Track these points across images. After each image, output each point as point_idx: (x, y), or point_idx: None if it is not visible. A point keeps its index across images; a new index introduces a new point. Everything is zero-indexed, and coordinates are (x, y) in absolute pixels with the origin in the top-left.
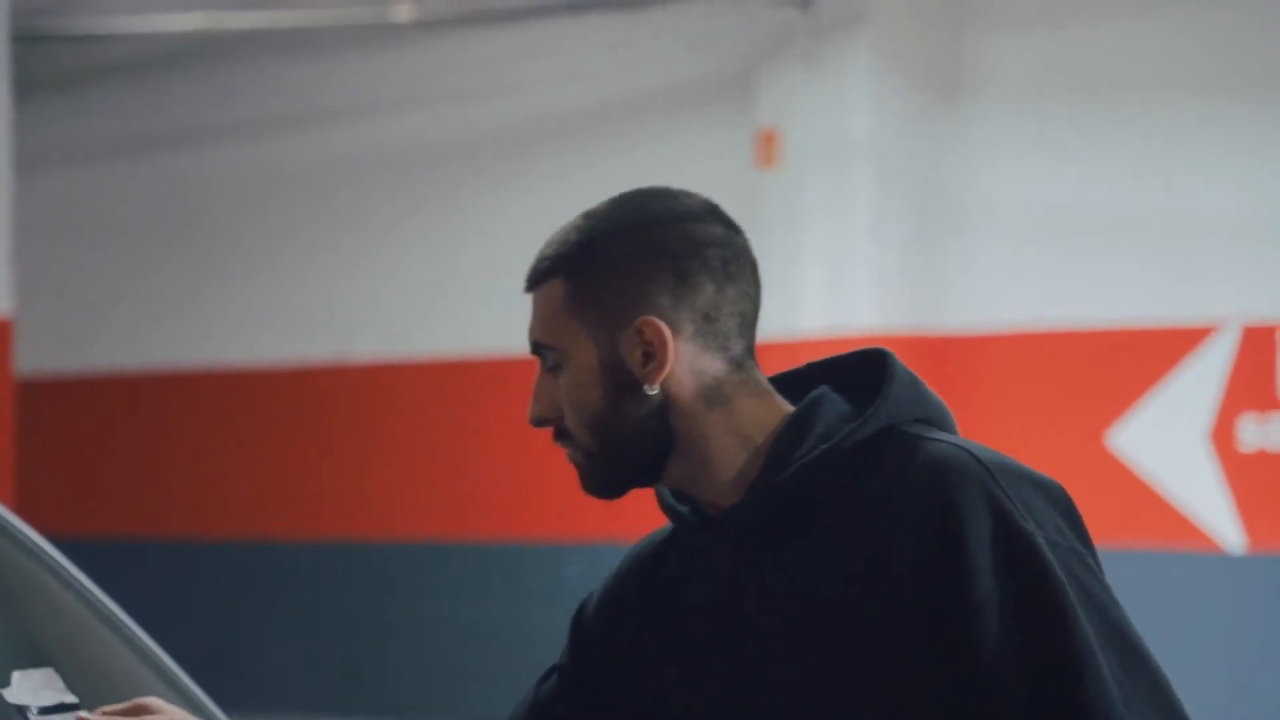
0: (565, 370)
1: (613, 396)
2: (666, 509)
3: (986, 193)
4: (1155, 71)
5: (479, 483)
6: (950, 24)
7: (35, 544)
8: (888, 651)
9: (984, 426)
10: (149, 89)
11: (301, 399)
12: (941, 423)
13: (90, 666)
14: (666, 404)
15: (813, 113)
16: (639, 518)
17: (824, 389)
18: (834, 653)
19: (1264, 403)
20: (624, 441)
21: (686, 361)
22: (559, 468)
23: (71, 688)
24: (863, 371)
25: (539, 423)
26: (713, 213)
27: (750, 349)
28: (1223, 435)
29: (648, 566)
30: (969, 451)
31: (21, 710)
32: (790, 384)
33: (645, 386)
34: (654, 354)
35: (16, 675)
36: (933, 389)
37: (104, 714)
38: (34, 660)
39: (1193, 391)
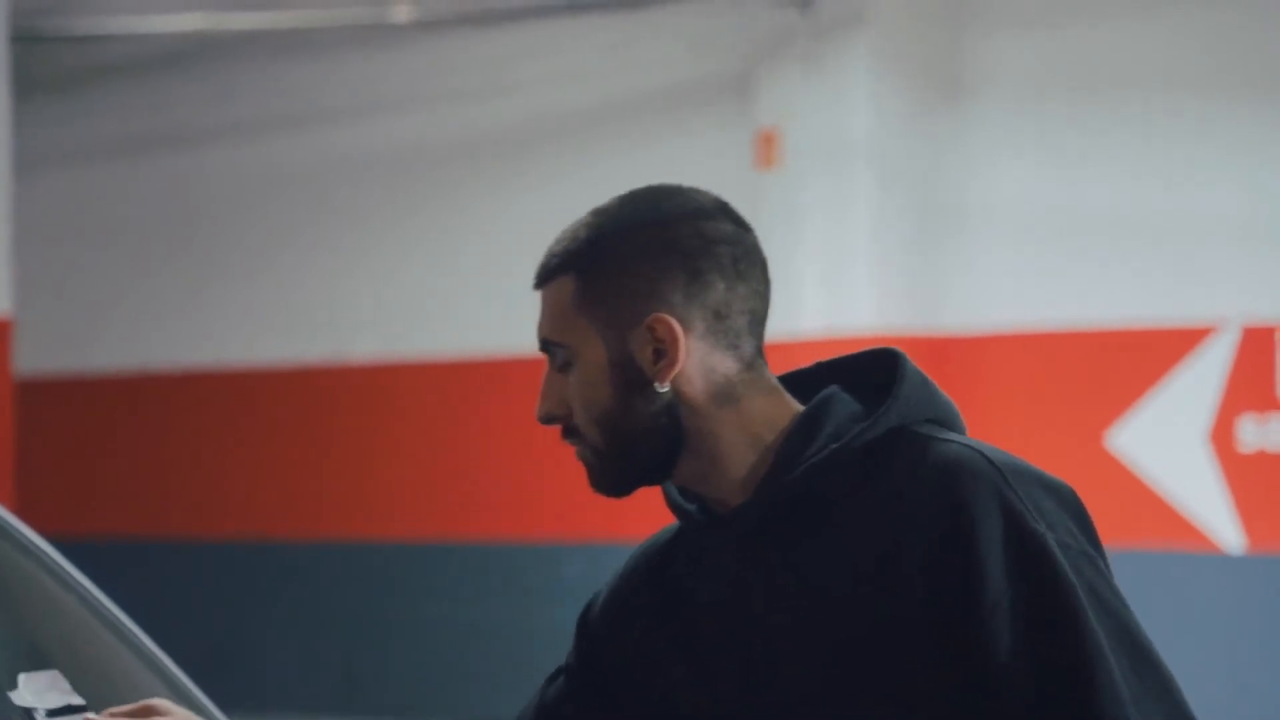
0: (574, 367)
1: (623, 394)
2: (674, 507)
3: (986, 193)
4: (1155, 72)
5: (479, 483)
6: (950, 24)
7: (35, 544)
8: (898, 651)
9: (983, 427)
10: (148, 89)
11: (301, 399)
12: (951, 423)
13: (90, 667)
14: (676, 402)
15: (812, 113)
16: (639, 518)
17: (834, 388)
18: (843, 652)
19: (1263, 403)
20: (633, 439)
21: (697, 359)
22: (559, 468)
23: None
24: (872, 371)
25: (547, 420)
26: (723, 210)
27: (760, 347)
28: (1222, 436)
29: (654, 565)
30: (980, 452)
31: (29, 712)
32: (799, 383)
33: (656, 384)
34: (665, 351)
35: (23, 677)
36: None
37: (111, 716)
38: (34, 661)
39: (1192, 392)
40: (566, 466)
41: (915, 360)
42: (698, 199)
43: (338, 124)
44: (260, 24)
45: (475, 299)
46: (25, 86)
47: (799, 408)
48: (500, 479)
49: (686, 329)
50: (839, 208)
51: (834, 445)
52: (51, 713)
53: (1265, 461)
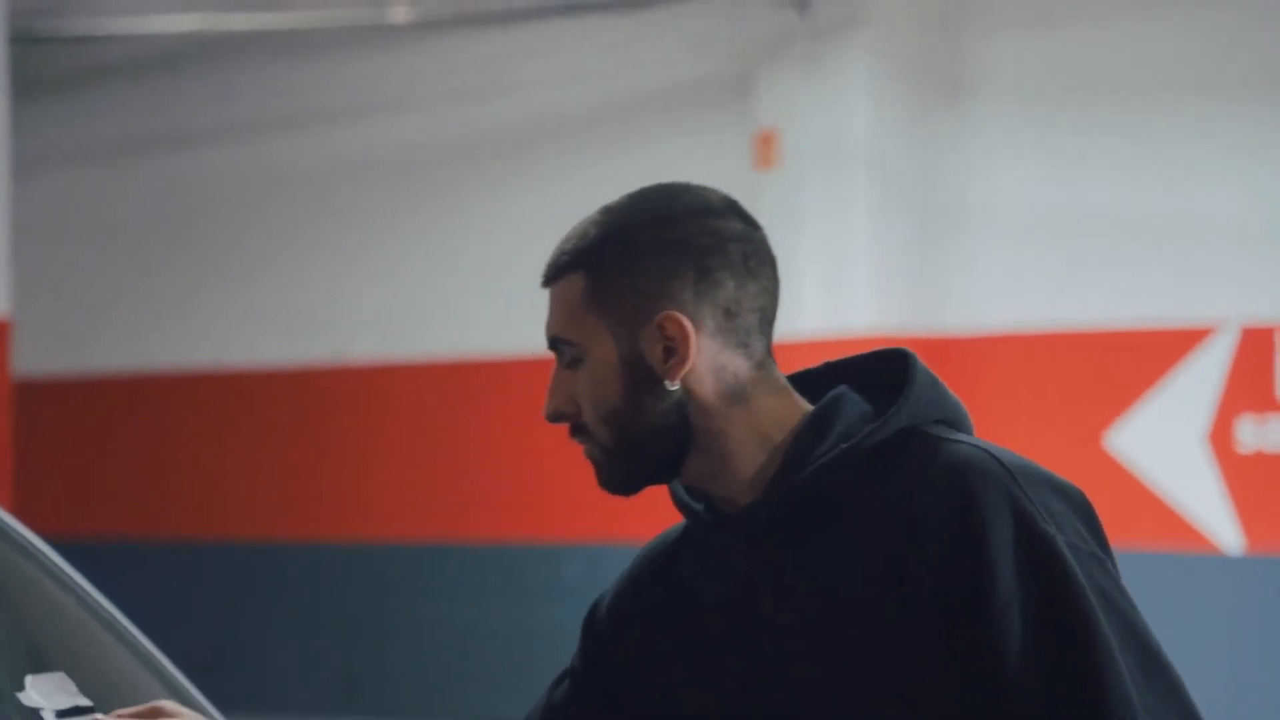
0: (584, 365)
1: (632, 392)
2: (681, 506)
3: (985, 193)
4: (1154, 72)
5: (479, 484)
6: (948, 25)
7: (33, 545)
8: (906, 652)
9: (982, 427)
10: (147, 90)
11: (301, 400)
12: (960, 424)
13: (89, 668)
14: (686, 400)
15: (811, 113)
16: (639, 518)
17: (843, 388)
18: (852, 652)
19: (1262, 404)
20: (642, 437)
21: (708, 357)
22: (559, 469)
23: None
24: (881, 371)
25: (555, 418)
26: (732, 208)
27: (769, 346)
28: (1221, 436)
29: (659, 566)
30: (990, 453)
31: (36, 713)
32: (807, 383)
33: (666, 382)
34: (675, 349)
35: (30, 679)
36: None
37: (119, 717)
38: (32, 662)
39: (1191, 392)
40: (566, 467)
41: None
42: (707, 196)
43: (336, 124)
44: (259, 25)
45: (475, 299)
46: (24, 87)
47: (808, 407)
48: (500, 480)
49: (697, 327)
50: (838, 208)
51: (844, 445)
52: (60, 714)
53: (1264, 462)
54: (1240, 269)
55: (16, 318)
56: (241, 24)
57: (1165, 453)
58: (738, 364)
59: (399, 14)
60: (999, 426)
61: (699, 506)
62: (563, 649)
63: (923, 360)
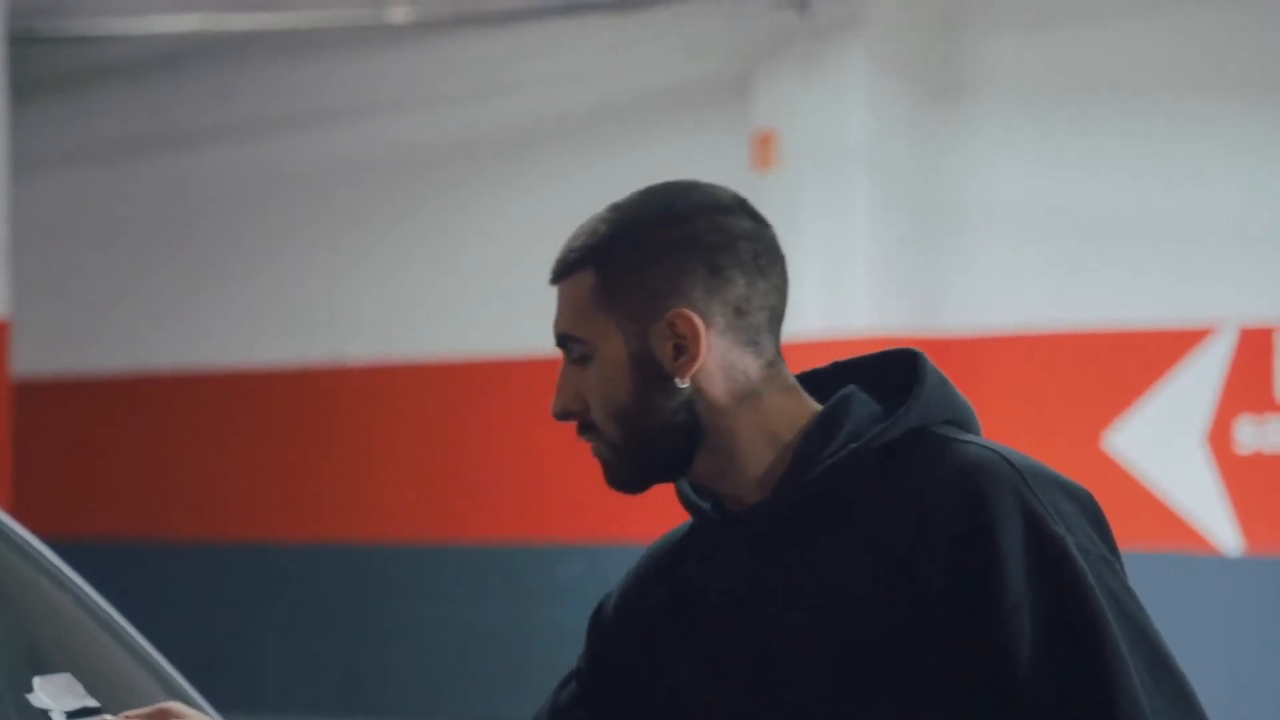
0: (593, 363)
1: (642, 390)
2: (687, 504)
3: (984, 194)
4: (1152, 73)
5: (478, 484)
6: (947, 26)
7: (32, 546)
8: (915, 652)
9: (981, 428)
10: (147, 90)
11: (300, 400)
12: (968, 425)
13: (87, 669)
14: (696, 398)
15: (810, 114)
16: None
17: (852, 388)
18: (861, 652)
19: (1261, 404)
20: (651, 435)
21: (718, 355)
22: (558, 469)
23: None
24: (890, 371)
25: (563, 416)
26: (741, 206)
27: (778, 345)
28: (1220, 437)
29: (665, 565)
30: (1000, 454)
31: (44, 714)
32: (816, 383)
33: (676, 380)
34: (685, 347)
35: (38, 680)
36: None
37: (126, 719)
38: (31, 662)
39: (1190, 393)
40: (566, 468)
41: None
42: (716, 194)
43: (336, 125)
44: (258, 25)
45: (474, 300)
46: (23, 87)
47: (817, 407)
48: (499, 480)
49: (707, 325)
50: (837, 208)
51: (853, 445)
52: (68, 715)
53: (1263, 463)
54: (1239, 269)
55: (16, 318)
56: (241, 24)
57: (1164, 453)
58: (747, 362)
59: (398, 14)
60: (998, 427)
61: (706, 505)
62: (562, 649)
63: None
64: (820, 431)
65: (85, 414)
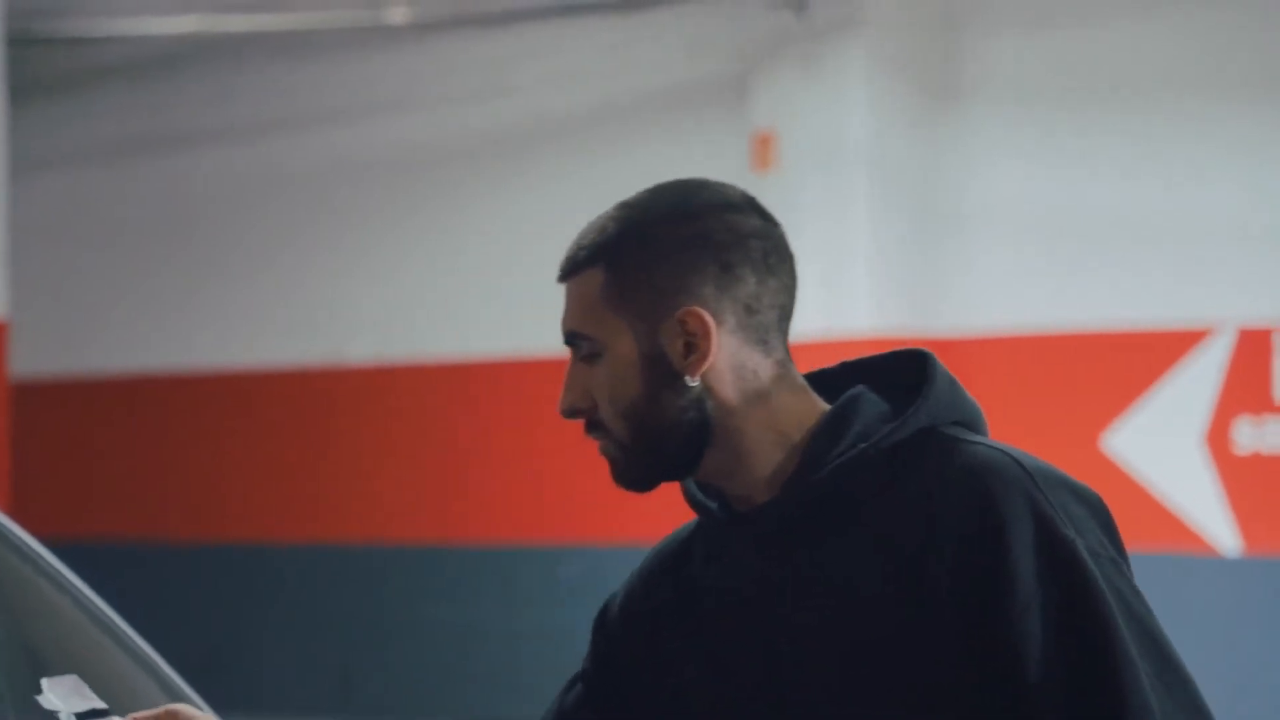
0: (602, 360)
1: (651, 388)
2: (694, 503)
3: (982, 195)
4: (1151, 74)
5: (476, 485)
6: (946, 26)
7: (30, 547)
8: (923, 652)
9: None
10: (145, 91)
11: (299, 401)
12: (977, 426)
13: (86, 670)
14: (705, 396)
15: (809, 115)
16: (636, 520)
17: (861, 388)
18: (870, 652)
19: (1259, 405)
20: (660, 433)
21: (728, 354)
22: (556, 470)
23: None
24: (899, 372)
25: (570, 414)
26: (750, 204)
27: (787, 344)
28: (1218, 438)
29: (670, 565)
30: (1011, 456)
31: (52, 716)
32: (824, 382)
33: (686, 378)
34: (696, 345)
35: (46, 682)
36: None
37: None
38: (29, 664)
39: (1188, 394)
40: (564, 469)
41: None
42: (726, 192)
43: (334, 125)
44: (256, 26)
45: (473, 301)
46: (22, 88)
47: (826, 407)
48: (497, 481)
49: (718, 323)
50: (836, 209)
51: (862, 445)
52: (76, 717)
53: (1261, 464)
54: (1238, 270)
55: (14, 319)
56: (239, 25)
57: (1162, 454)
58: (757, 361)
59: (397, 15)
60: (997, 427)
61: (713, 504)
62: (559, 650)
63: None
64: (829, 431)
65: (84, 415)
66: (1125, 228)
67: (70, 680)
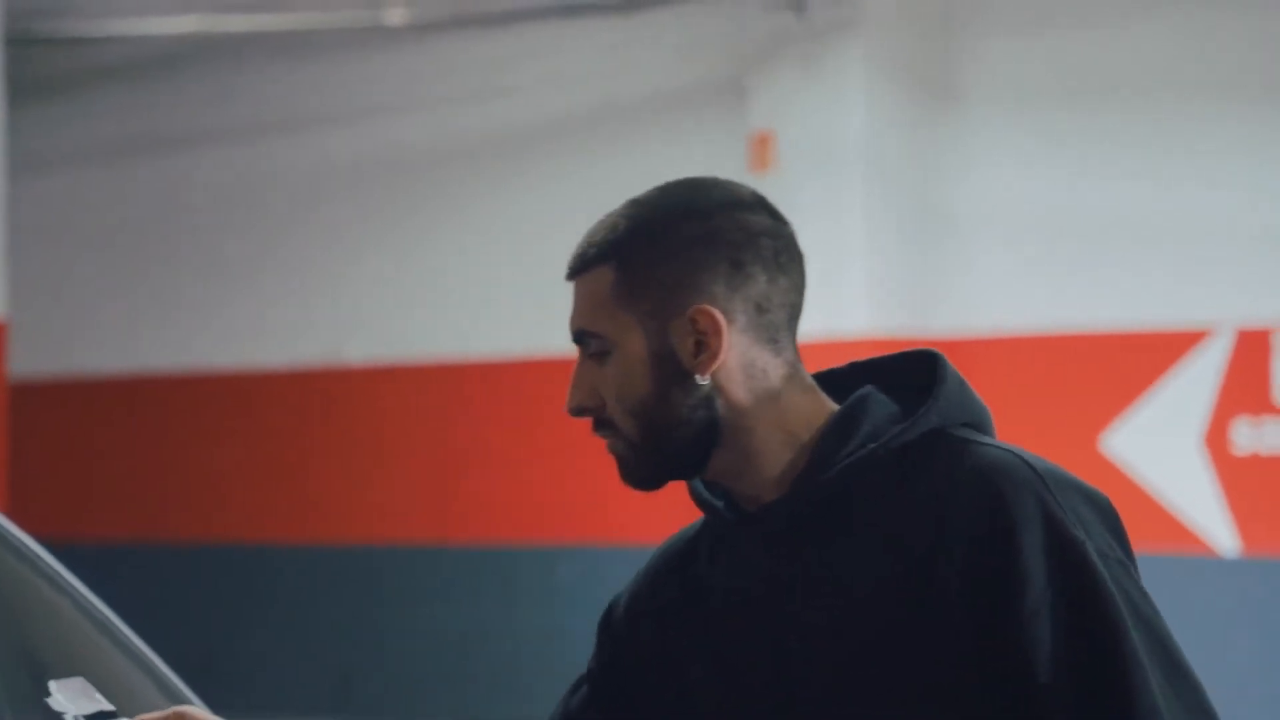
0: (611, 358)
1: (661, 386)
2: (701, 503)
3: (980, 196)
4: (1149, 75)
5: (473, 486)
6: (944, 28)
7: (28, 548)
8: (931, 652)
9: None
10: (144, 92)
11: (296, 402)
12: (985, 427)
13: (84, 671)
14: (715, 395)
15: (807, 116)
16: (633, 521)
17: (869, 388)
18: (878, 652)
19: (1258, 406)
20: (669, 432)
21: (738, 353)
22: (553, 471)
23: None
24: (909, 372)
25: (578, 412)
26: (760, 203)
27: (796, 343)
28: (1217, 439)
29: (676, 564)
30: (1020, 458)
31: (53, 717)
32: (833, 382)
33: (696, 376)
34: (706, 343)
35: (54, 684)
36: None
37: None
38: (27, 665)
39: (1187, 395)
40: (561, 469)
41: None
42: (736, 190)
43: (333, 126)
44: (255, 26)
45: (471, 301)
46: (20, 89)
47: (835, 407)
48: (495, 482)
49: (729, 321)
50: (833, 211)
51: (872, 445)
52: (84, 719)
53: (1259, 465)
54: (1236, 271)
55: (13, 319)
56: (239, 25)
57: (1161, 455)
58: (767, 360)
59: (396, 16)
60: (995, 428)
61: (720, 503)
62: (557, 651)
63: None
64: (838, 431)
65: (82, 415)
66: (1123, 228)
67: (77, 682)
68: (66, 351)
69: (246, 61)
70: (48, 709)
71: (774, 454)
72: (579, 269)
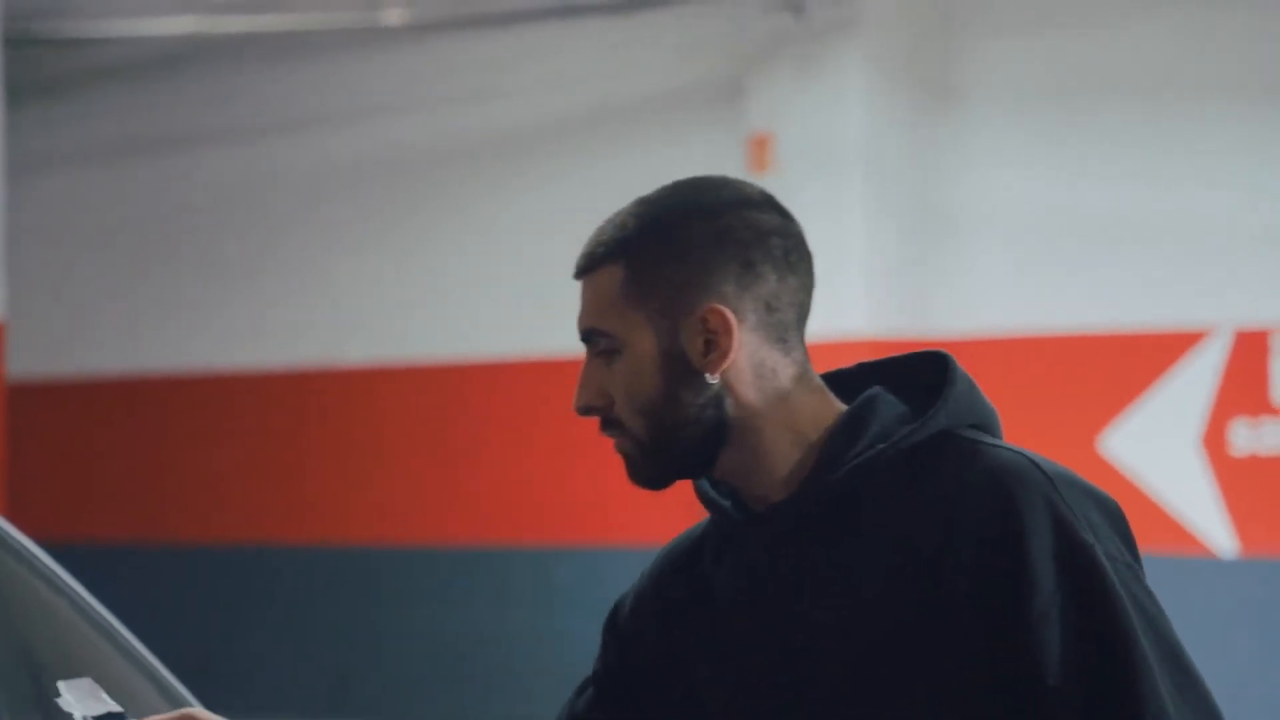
0: (620, 357)
1: (670, 385)
2: (707, 502)
3: (978, 197)
4: (1147, 76)
5: (470, 487)
6: (942, 29)
7: (27, 549)
8: (939, 653)
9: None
10: (142, 93)
11: (294, 403)
12: (993, 429)
13: (82, 673)
14: (724, 394)
15: (805, 117)
16: (630, 523)
17: (878, 389)
18: (885, 652)
19: (1256, 407)
20: (678, 431)
21: (747, 352)
22: (550, 472)
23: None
24: (918, 373)
25: (585, 411)
26: (770, 201)
27: (804, 343)
28: (1215, 440)
29: (681, 565)
30: (1030, 460)
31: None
32: (841, 383)
33: (705, 375)
34: (716, 343)
35: (63, 685)
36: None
37: None
38: (25, 666)
39: (1185, 396)
40: (558, 471)
41: None
42: (745, 189)
43: (331, 127)
44: (254, 27)
45: (469, 302)
46: (19, 90)
47: (843, 407)
48: (492, 483)
49: (739, 320)
50: (832, 212)
51: (881, 445)
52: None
53: (1257, 465)
54: (1234, 272)
55: (12, 319)
56: (236, 26)
57: (1159, 456)
58: (776, 359)
59: (394, 16)
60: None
61: (727, 503)
62: (554, 653)
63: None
64: (846, 431)
65: (81, 416)
66: (1121, 229)
67: (85, 683)
68: (65, 352)
69: (246, 62)
70: (46, 710)
71: (782, 454)
72: (588, 267)
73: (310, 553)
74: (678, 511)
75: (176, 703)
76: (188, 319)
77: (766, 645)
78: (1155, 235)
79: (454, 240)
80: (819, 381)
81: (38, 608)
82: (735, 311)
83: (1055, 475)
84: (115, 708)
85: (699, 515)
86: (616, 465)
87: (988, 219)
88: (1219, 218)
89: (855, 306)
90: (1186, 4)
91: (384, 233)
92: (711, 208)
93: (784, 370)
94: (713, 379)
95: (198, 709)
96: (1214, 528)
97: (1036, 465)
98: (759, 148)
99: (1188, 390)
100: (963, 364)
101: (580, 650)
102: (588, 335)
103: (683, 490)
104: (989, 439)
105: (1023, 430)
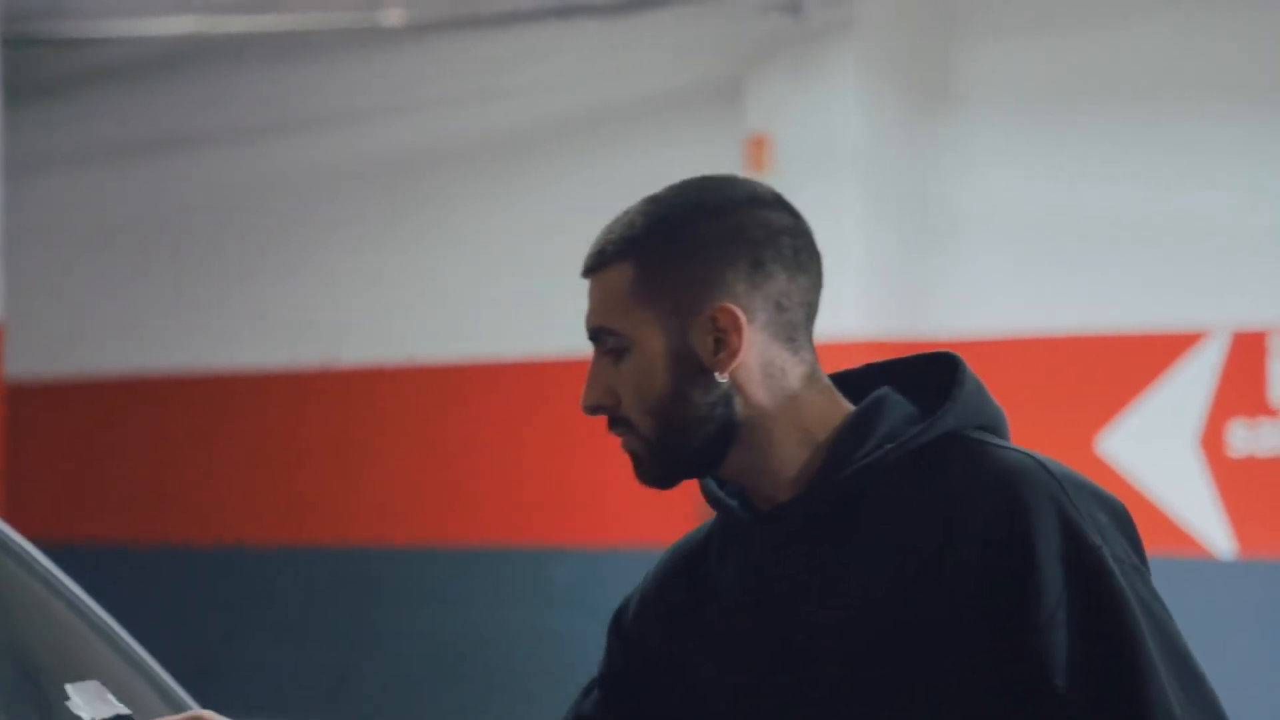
0: (629, 356)
1: (679, 384)
2: (714, 502)
3: (976, 198)
4: (1145, 77)
5: (467, 487)
6: (940, 30)
7: (24, 549)
8: (944, 654)
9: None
10: (141, 93)
11: (292, 403)
12: (1001, 431)
13: (81, 674)
14: (733, 393)
15: (802, 118)
16: (628, 523)
17: (886, 389)
18: (891, 652)
19: (1254, 408)
20: (686, 430)
21: (757, 351)
22: (549, 473)
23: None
24: (926, 374)
25: (593, 410)
26: (779, 200)
27: (812, 342)
28: (1212, 441)
29: (685, 566)
30: (1038, 462)
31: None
32: (848, 383)
33: (715, 374)
34: (726, 342)
35: (71, 687)
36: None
37: None
38: (22, 667)
39: (1183, 397)
40: (555, 471)
41: None
42: (755, 188)
43: (330, 127)
44: (252, 27)
45: (467, 303)
46: (17, 90)
47: (851, 407)
48: (489, 483)
49: (749, 319)
50: (829, 213)
51: (888, 446)
52: None
53: (1255, 466)
54: (1232, 274)
55: (10, 319)
56: (234, 27)
57: (1157, 457)
58: (785, 358)
59: (393, 17)
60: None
61: (733, 502)
62: (553, 653)
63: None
64: (854, 432)
65: (79, 417)
66: (1119, 231)
67: (93, 686)
68: (65, 352)
69: (245, 62)
70: (44, 712)
71: (790, 453)
72: (596, 266)
73: (309, 553)
74: (677, 512)
75: (175, 704)
76: (187, 319)
77: (772, 645)
78: (1154, 236)
79: (453, 240)
80: (827, 381)
81: (35, 609)
82: (745, 310)
83: (1063, 477)
84: (123, 710)
85: (699, 516)
86: (616, 466)
87: (986, 219)
88: (1218, 218)
89: (853, 307)
90: (1186, 4)
91: (383, 233)
92: (721, 206)
93: (793, 370)
94: (722, 378)
95: (208, 712)
96: (1212, 528)
97: (1044, 467)
98: (757, 148)
99: (1186, 391)
100: None
101: (579, 650)
102: (596, 334)
103: (683, 491)
104: (997, 440)
105: (1020, 430)
